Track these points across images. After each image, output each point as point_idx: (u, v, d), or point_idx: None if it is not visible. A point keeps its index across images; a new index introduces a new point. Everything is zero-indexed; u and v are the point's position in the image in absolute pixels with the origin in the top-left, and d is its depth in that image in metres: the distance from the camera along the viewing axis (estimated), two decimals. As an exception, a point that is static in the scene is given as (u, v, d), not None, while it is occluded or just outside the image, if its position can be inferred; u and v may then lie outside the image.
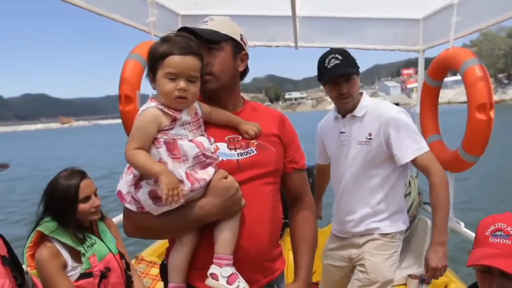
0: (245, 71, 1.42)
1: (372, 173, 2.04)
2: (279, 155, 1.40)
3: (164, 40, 1.18)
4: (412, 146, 1.93)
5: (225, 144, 1.30)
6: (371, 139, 2.00)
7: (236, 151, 1.30)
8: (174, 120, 1.16)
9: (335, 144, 2.18)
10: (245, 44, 1.39)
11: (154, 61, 1.17)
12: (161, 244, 3.25)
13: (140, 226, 1.24)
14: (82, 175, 1.80)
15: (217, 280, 1.17)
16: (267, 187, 1.34)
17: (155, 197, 1.14)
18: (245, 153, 1.31)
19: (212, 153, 1.22)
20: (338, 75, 1.94)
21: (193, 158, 1.16)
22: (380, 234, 2.08)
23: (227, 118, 1.33)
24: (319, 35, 3.39)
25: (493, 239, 1.06)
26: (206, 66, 1.25)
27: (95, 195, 1.83)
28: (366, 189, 2.07)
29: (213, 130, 1.31)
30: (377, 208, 2.07)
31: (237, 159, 1.29)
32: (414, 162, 1.95)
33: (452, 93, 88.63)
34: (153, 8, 2.81)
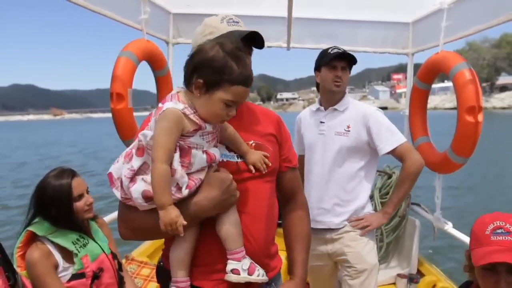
0: None
1: (345, 164, 2.17)
2: (276, 154, 1.40)
3: (232, 55, 1.12)
4: (390, 138, 2.13)
5: (224, 145, 1.31)
6: (349, 131, 2.17)
7: (235, 152, 1.31)
8: (198, 129, 1.14)
9: (313, 133, 2.30)
10: None
11: (217, 77, 1.10)
12: (150, 244, 3.22)
13: (136, 227, 1.23)
14: (73, 173, 1.78)
15: (239, 274, 1.19)
16: (265, 186, 1.36)
17: (147, 197, 1.13)
18: None
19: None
20: (341, 54, 2.15)
21: (198, 168, 1.16)
22: (350, 226, 2.19)
23: (238, 144, 1.30)
24: (311, 36, 3.42)
25: (495, 237, 1.06)
26: None
27: (87, 192, 1.81)
28: (337, 179, 2.18)
29: None
30: (345, 199, 2.18)
31: (237, 161, 1.30)
32: (393, 152, 2.13)
33: (438, 99, 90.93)
34: (146, 6, 2.79)
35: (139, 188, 1.13)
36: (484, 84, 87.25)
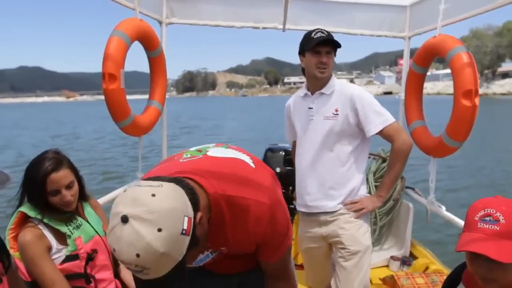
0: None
1: (336, 148, 2.16)
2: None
3: None
4: (377, 119, 2.10)
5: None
6: (337, 114, 2.15)
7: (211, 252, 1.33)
8: None
9: (303, 119, 2.29)
10: None
11: None
12: None
13: None
14: (54, 166, 1.62)
15: None
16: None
17: None
18: None
19: None
20: (325, 40, 2.09)
21: None
22: (345, 209, 2.19)
23: None
24: (307, 17, 3.35)
25: (481, 224, 1.07)
26: None
27: (68, 187, 1.65)
28: (329, 163, 2.17)
29: None
30: (339, 182, 2.17)
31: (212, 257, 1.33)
32: (380, 133, 2.11)
33: (441, 85, 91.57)
34: (139, -16, 2.69)
35: None
36: (486, 71, 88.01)
